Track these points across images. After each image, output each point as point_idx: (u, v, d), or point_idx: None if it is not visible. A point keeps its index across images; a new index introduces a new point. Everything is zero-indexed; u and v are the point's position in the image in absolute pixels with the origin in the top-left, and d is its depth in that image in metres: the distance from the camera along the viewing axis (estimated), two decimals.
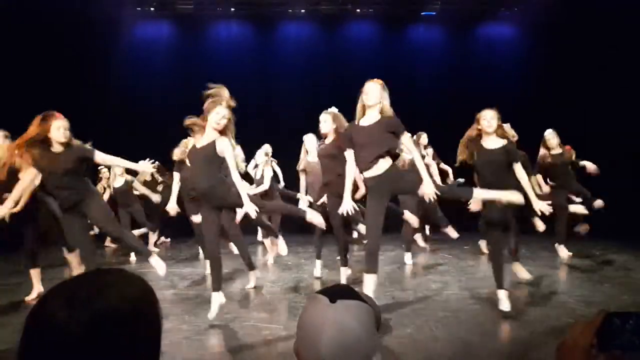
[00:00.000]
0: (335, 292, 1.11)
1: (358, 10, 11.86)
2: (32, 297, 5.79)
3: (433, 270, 7.16)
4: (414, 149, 4.66)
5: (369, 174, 4.56)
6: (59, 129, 4.55)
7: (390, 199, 4.75)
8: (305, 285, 6.36)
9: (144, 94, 11.09)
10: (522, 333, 4.65)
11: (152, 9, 11.56)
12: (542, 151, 7.34)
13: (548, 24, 10.66)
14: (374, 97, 4.56)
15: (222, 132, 4.65)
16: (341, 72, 11.48)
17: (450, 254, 8.23)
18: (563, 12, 10.25)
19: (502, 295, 4.97)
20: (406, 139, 4.58)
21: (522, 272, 6.21)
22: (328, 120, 5.80)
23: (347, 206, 4.70)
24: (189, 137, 5.66)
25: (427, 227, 9.72)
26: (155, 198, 8.57)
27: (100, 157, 4.75)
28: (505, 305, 4.94)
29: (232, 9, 11.66)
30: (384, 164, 4.52)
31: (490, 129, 4.91)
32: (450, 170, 8.48)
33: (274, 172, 8.20)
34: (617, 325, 0.88)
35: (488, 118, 4.94)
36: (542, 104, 10.77)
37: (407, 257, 7.62)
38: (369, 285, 4.55)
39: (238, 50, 11.65)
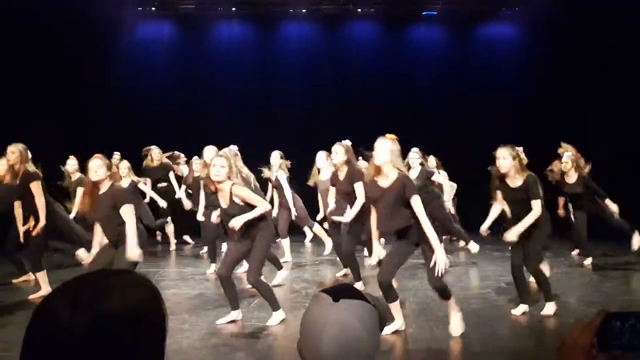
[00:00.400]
0: (339, 292, 1.11)
1: (359, 10, 11.83)
2: (37, 295, 5.81)
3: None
4: (423, 214, 4.28)
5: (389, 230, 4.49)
6: (91, 170, 4.57)
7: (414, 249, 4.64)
8: (306, 285, 6.36)
9: (144, 94, 11.08)
10: (523, 333, 4.66)
11: (153, 8, 11.55)
12: (556, 170, 7.08)
13: (548, 24, 10.65)
14: (382, 156, 4.36)
15: (230, 177, 4.71)
16: (342, 72, 11.48)
17: (451, 254, 8.23)
18: (563, 12, 10.24)
19: (522, 308, 5.06)
20: (415, 202, 4.27)
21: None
22: (340, 152, 5.74)
23: (379, 254, 4.58)
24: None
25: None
26: (162, 203, 8.42)
27: (123, 209, 4.52)
28: (519, 312, 5.02)
29: (233, 9, 11.64)
30: (405, 223, 4.36)
31: (504, 170, 4.91)
32: (455, 186, 8.39)
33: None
34: (617, 326, 0.88)
35: (500, 158, 4.93)
36: (542, 104, 10.76)
37: None
38: (396, 311, 4.56)
39: (239, 50, 11.63)
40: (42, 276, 5.87)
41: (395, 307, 4.54)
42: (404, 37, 12.01)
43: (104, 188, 4.59)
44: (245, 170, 4.99)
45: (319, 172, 6.86)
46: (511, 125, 10.27)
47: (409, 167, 6.91)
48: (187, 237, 9.67)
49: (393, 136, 4.52)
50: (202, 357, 4.08)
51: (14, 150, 5.71)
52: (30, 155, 5.89)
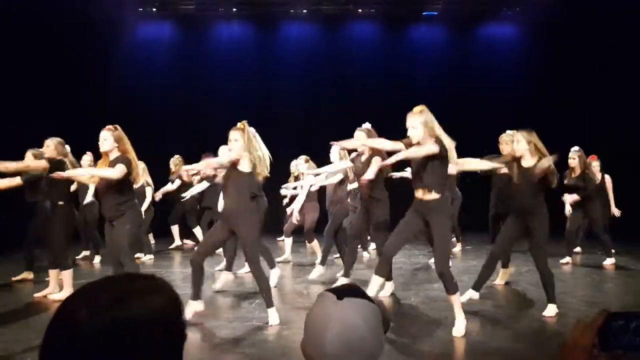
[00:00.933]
0: (343, 291, 1.12)
1: (360, 10, 11.83)
2: (41, 293, 5.83)
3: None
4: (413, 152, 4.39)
5: (417, 194, 4.47)
6: (100, 141, 4.68)
7: (418, 230, 4.71)
8: (307, 285, 6.36)
9: (144, 94, 11.09)
10: (524, 333, 4.65)
11: (153, 9, 11.55)
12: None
13: (548, 24, 10.66)
14: (416, 133, 4.38)
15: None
16: (342, 72, 11.48)
17: (452, 254, 8.22)
18: (563, 12, 10.25)
19: (469, 294, 5.20)
20: (419, 149, 4.39)
21: (504, 277, 6.38)
22: (362, 138, 5.58)
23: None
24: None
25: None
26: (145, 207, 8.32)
27: (116, 166, 4.64)
28: (464, 299, 5.10)
29: (234, 9, 11.64)
30: (430, 194, 4.35)
31: (519, 153, 4.95)
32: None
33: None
34: (618, 325, 0.88)
35: (515, 142, 5.04)
36: (542, 104, 10.76)
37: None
38: (374, 285, 4.62)
39: (239, 50, 11.64)
40: (53, 275, 5.85)
41: (377, 282, 4.66)
42: (404, 37, 12.01)
43: (112, 158, 4.68)
44: (261, 152, 4.95)
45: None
46: (511, 125, 10.20)
47: None
48: (187, 241, 9.70)
49: (420, 107, 4.45)
50: (201, 356, 4.07)
51: (50, 144, 5.65)
52: (68, 150, 5.82)
